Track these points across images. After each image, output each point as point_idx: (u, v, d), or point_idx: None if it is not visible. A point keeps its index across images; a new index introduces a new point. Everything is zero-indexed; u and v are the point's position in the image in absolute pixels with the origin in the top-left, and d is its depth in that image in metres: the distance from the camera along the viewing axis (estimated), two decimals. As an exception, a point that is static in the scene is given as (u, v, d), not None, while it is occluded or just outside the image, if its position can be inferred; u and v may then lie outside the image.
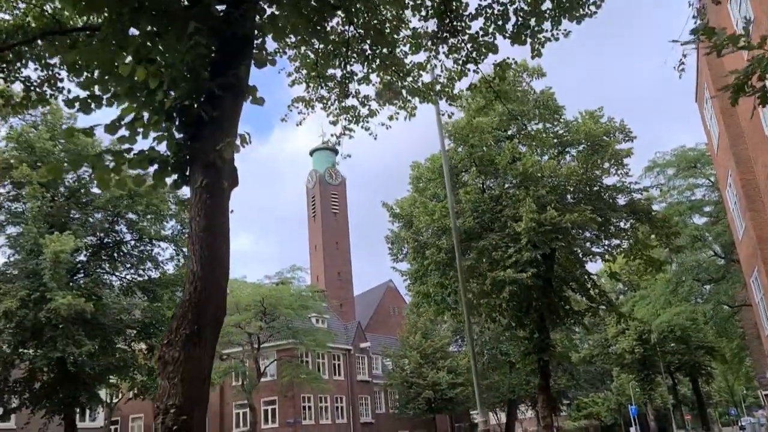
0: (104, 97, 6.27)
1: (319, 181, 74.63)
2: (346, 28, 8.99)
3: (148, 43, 5.99)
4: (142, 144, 6.05)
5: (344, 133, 10.14)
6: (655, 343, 44.09)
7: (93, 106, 6.60)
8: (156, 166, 6.03)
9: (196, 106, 6.05)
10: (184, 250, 23.25)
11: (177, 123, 6.03)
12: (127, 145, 6.00)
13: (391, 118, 10.20)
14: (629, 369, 51.71)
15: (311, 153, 77.70)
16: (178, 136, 6.06)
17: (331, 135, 10.19)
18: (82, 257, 22.65)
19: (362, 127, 10.01)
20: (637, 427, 58.99)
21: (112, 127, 6.05)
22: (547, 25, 7.72)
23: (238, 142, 6.13)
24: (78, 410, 22.32)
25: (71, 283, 20.74)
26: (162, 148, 6.12)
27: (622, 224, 21.44)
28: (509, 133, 21.45)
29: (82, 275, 22.13)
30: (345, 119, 10.04)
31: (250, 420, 40.52)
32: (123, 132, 6.06)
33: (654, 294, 36.58)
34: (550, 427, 21.46)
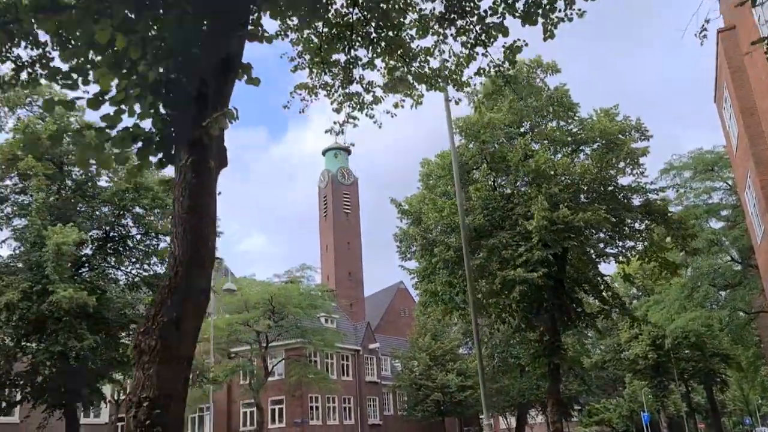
0: (89, 71, 5.92)
1: (331, 180, 74.40)
2: (350, 10, 8.62)
3: (132, 14, 5.63)
4: (127, 122, 5.69)
5: (348, 120, 9.76)
6: (668, 348, 43.34)
7: (80, 81, 6.25)
8: (140, 144, 5.68)
9: (183, 80, 5.69)
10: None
11: (162, 98, 5.68)
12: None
13: (396, 105, 9.83)
14: (642, 375, 50.94)
15: (323, 153, 77.54)
16: (163, 112, 5.71)
17: (334, 123, 9.84)
18: (87, 251, 22.45)
19: (366, 114, 9.63)
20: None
21: (94, 102, 5.71)
22: (560, 3, 7.29)
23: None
24: (80, 405, 22.09)
25: (76, 277, 20.51)
26: (147, 125, 5.78)
27: (636, 225, 20.89)
28: (522, 130, 20.99)
29: (87, 269, 21.91)
30: (349, 106, 9.66)
31: (257, 419, 40.27)
32: (107, 109, 5.70)
33: (668, 299, 35.91)
34: (559, 432, 20.95)
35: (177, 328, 5.02)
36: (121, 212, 22.68)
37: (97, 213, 22.35)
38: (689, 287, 34.10)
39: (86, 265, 22.18)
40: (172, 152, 5.71)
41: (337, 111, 9.76)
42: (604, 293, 21.41)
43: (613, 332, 48.44)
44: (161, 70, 5.67)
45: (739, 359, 45.10)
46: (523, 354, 35.91)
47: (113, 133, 5.67)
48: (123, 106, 5.75)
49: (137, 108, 5.83)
